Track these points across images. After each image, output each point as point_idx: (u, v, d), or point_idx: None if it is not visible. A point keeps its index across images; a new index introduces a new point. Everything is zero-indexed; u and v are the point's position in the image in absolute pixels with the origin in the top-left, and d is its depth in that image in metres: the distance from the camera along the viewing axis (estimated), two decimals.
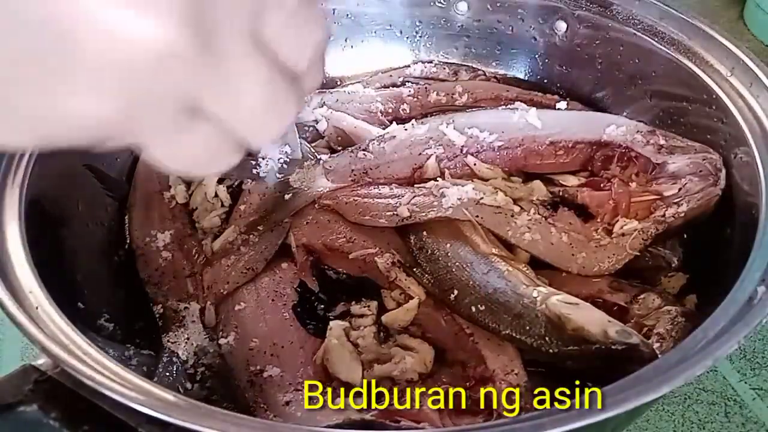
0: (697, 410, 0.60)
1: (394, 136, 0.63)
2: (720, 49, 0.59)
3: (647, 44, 0.64)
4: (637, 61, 0.67)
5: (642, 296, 0.52)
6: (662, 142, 0.59)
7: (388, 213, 0.59)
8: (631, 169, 0.60)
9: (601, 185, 0.60)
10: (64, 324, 0.41)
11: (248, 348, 0.52)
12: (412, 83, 0.78)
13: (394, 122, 0.68)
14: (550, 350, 0.48)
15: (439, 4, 0.76)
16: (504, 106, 0.67)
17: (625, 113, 0.69)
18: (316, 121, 0.72)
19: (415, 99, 0.74)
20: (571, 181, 0.62)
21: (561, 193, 0.61)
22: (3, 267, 0.44)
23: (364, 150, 0.63)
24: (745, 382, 0.61)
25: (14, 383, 0.38)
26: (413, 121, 0.65)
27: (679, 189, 0.56)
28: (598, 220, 0.58)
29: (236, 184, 0.64)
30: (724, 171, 0.56)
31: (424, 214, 0.57)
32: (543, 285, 0.51)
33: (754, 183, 0.51)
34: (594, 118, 0.64)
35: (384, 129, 0.69)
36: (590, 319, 0.47)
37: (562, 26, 0.72)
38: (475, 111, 0.66)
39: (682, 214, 0.55)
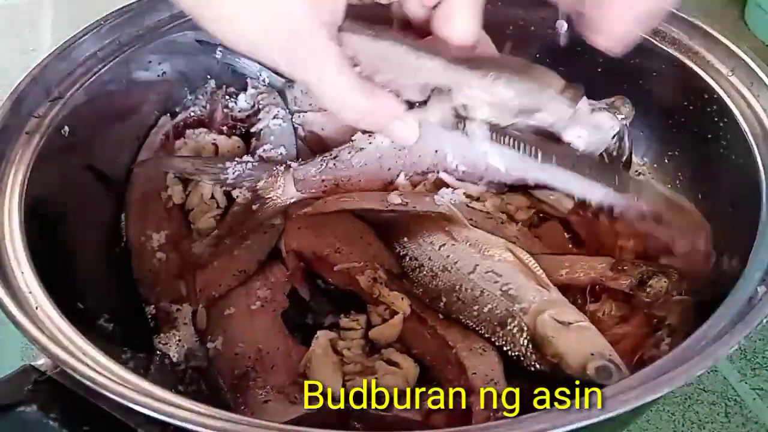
0: (698, 410, 0.59)
1: (362, 148, 0.61)
2: (720, 49, 0.59)
3: (647, 44, 0.64)
4: (637, 60, 0.66)
5: (649, 280, 0.50)
6: (645, 208, 0.53)
7: (378, 198, 0.58)
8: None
9: (589, 215, 0.58)
10: (64, 324, 0.41)
11: (234, 352, 0.51)
12: None
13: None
14: (530, 367, 0.47)
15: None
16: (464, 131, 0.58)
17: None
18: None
19: None
20: (565, 203, 0.60)
21: (551, 212, 0.60)
22: (3, 267, 0.44)
23: (334, 159, 0.61)
24: (746, 382, 0.61)
25: (14, 383, 0.38)
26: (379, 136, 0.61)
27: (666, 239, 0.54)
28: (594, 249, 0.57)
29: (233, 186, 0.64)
30: (714, 255, 0.53)
31: (416, 205, 0.57)
32: (545, 287, 0.50)
33: (754, 183, 0.51)
34: (565, 178, 0.53)
35: None
36: (573, 348, 0.45)
37: (563, 26, 0.71)
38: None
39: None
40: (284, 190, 0.61)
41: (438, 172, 0.61)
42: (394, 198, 0.58)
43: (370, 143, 0.61)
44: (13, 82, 0.55)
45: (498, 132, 0.56)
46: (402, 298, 0.53)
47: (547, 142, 0.57)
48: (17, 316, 0.40)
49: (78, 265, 0.55)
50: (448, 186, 0.61)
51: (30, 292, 0.43)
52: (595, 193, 0.53)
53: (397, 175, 0.61)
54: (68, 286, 0.51)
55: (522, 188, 0.62)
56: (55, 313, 0.42)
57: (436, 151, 0.61)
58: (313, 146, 0.68)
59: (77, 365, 0.37)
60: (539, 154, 0.54)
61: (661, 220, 0.53)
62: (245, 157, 0.63)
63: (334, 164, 0.61)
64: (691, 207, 0.54)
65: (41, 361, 0.39)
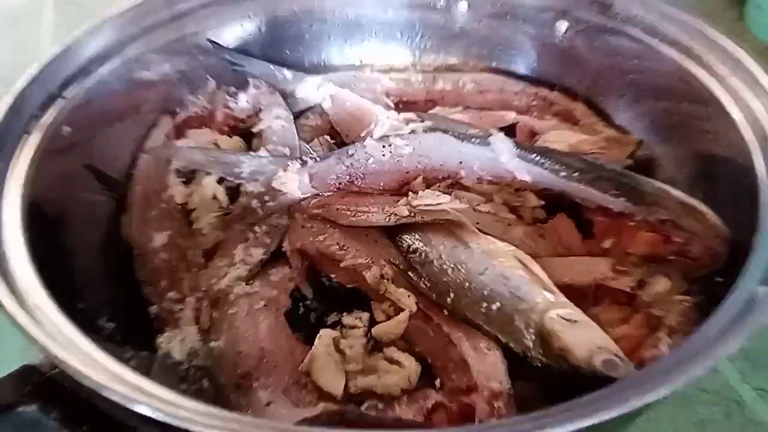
0: (698, 410, 0.59)
1: (373, 155, 0.61)
2: (720, 49, 0.59)
3: (647, 44, 0.64)
4: (637, 61, 0.66)
5: (649, 280, 0.51)
6: (664, 217, 0.55)
7: (386, 212, 0.58)
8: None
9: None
10: (64, 324, 0.41)
11: (237, 352, 0.52)
12: (421, 70, 0.78)
13: (392, 118, 0.67)
14: (535, 362, 0.48)
15: (440, 4, 0.76)
16: (489, 146, 0.60)
17: (624, 114, 0.70)
18: (323, 99, 0.72)
19: (423, 85, 0.74)
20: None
21: (566, 204, 0.60)
22: (3, 267, 0.44)
23: (350, 157, 0.61)
24: (746, 383, 0.61)
25: (14, 383, 0.38)
26: (393, 137, 0.62)
27: (684, 242, 0.54)
28: (602, 245, 0.58)
29: (235, 185, 0.64)
30: (727, 256, 0.52)
31: (424, 216, 0.57)
32: (550, 291, 0.50)
33: (753, 183, 0.51)
34: (586, 192, 0.58)
35: (388, 110, 0.69)
36: (580, 342, 0.46)
37: (562, 26, 0.72)
38: (461, 141, 0.61)
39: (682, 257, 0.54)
40: (299, 186, 0.61)
41: (459, 179, 0.62)
42: (402, 211, 0.58)
43: (384, 147, 0.61)
44: (13, 82, 0.55)
45: (524, 149, 0.58)
46: (408, 296, 0.53)
47: (570, 156, 0.59)
48: (17, 316, 0.40)
49: (78, 265, 0.55)
50: (463, 188, 0.61)
51: (30, 292, 0.43)
52: (615, 204, 0.55)
53: (415, 178, 0.62)
54: (68, 286, 0.51)
55: None
56: (55, 313, 0.42)
57: (461, 162, 0.61)
58: (337, 125, 0.70)
59: (77, 365, 0.37)
60: (562, 171, 0.58)
61: (680, 226, 0.54)
62: (261, 151, 0.64)
63: (351, 162, 0.61)
64: (709, 211, 0.55)
65: (41, 361, 0.39)
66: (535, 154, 0.59)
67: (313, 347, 0.51)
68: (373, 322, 0.54)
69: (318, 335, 0.52)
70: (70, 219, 0.56)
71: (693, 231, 0.54)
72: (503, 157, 0.59)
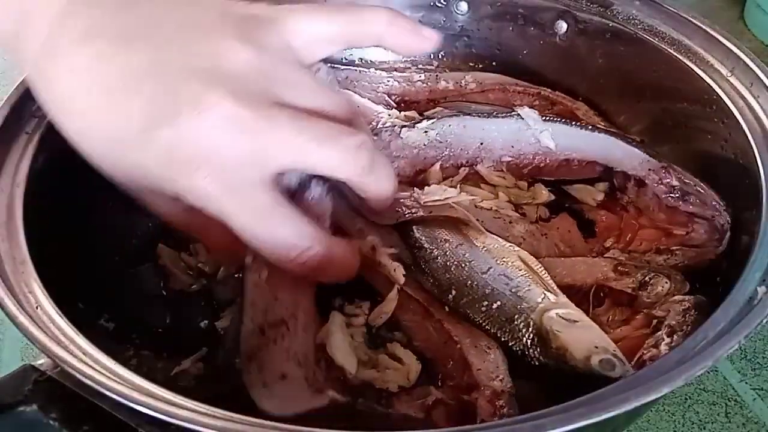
0: (698, 410, 0.59)
1: (401, 137, 0.61)
2: (720, 49, 0.59)
3: (647, 44, 0.64)
4: (637, 61, 0.67)
5: (651, 281, 0.51)
6: (675, 183, 0.57)
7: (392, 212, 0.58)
8: (645, 195, 0.59)
9: (617, 209, 0.60)
10: (64, 324, 0.41)
11: (275, 297, 0.48)
12: (423, 69, 0.78)
13: (393, 116, 0.67)
14: (533, 361, 0.48)
15: (439, 4, 0.76)
16: (515, 115, 0.62)
17: (624, 114, 0.70)
18: None
19: (425, 85, 0.74)
20: (588, 198, 0.62)
21: (568, 205, 0.61)
22: (3, 267, 0.44)
23: (375, 136, 0.60)
24: (746, 383, 0.61)
25: (14, 383, 0.38)
26: (424, 122, 0.62)
27: (686, 233, 0.55)
28: (604, 244, 0.58)
29: None
30: (729, 234, 0.53)
31: (431, 210, 0.57)
32: (552, 292, 0.50)
33: (754, 183, 0.51)
34: (608, 144, 0.61)
35: (389, 110, 0.68)
36: (578, 341, 0.46)
37: (562, 26, 0.72)
38: (485, 118, 0.62)
39: (678, 264, 0.55)
40: None
41: (476, 165, 0.62)
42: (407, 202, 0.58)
43: (409, 130, 0.61)
44: (14, 82, 0.55)
45: (549, 118, 0.61)
46: (395, 269, 0.53)
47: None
48: (17, 315, 0.40)
49: (79, 265, 0.55)
50: (484, 180, 0.62)
51: (30, 292, 0.43)
52: (634, 159, 0.58)
53: (431, 165, 0.61)
54: (69, 286, 0.51)
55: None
56: (55, 312, 0.42)
57: (482, 143, 0.61)
58: None
59: (77, 364, 0.37)
60: (588, 127, 0.61)
61: (687, 195, 0.55)
62: None
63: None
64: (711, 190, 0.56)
65: (41, 361, 0.39)
66: (561, 118, 0.62)
67: (328, 323, 0.50)
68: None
69: (332, 315, 0.51)
70: (70, 218, 0.56)
71: (699, 202, 0.55)
72: (530, 120, 0.60)
